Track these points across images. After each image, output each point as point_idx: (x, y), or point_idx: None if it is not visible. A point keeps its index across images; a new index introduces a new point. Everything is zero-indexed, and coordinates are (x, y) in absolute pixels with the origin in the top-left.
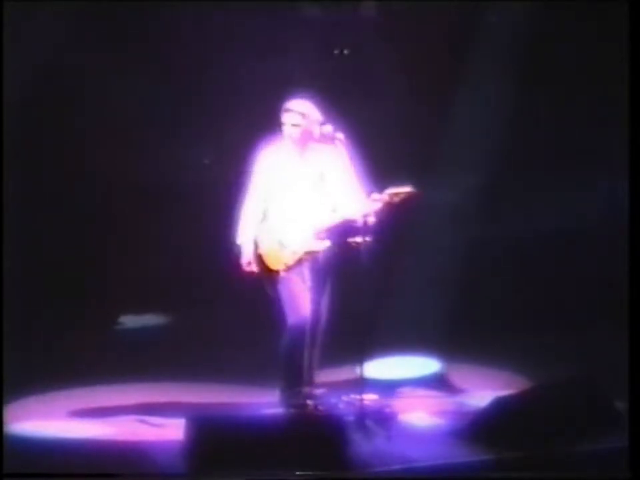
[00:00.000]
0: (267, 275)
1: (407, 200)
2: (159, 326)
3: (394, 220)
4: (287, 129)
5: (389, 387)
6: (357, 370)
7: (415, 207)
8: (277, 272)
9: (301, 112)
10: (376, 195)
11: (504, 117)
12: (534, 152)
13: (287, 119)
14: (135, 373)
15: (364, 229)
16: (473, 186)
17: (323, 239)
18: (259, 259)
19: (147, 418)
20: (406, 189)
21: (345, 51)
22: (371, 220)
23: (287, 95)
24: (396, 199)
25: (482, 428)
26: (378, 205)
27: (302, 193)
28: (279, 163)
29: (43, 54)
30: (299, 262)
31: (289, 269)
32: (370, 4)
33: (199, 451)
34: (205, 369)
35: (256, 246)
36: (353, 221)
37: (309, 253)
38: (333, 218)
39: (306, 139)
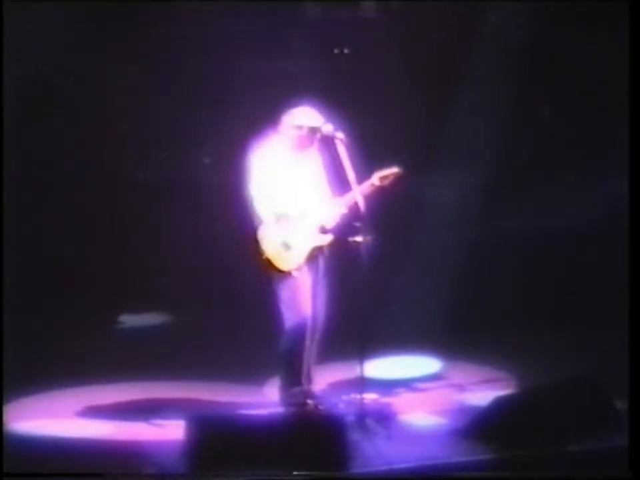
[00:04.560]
0: (275, 276)
1: (396, 181)
2: (159, 325)
3: (393, 218)
4: (288, 134)
5: (389, 386)
6: (357, 369)
7: (414, 204)
8: (285, 273)
9: (303, 121)
10: (365, 183)
11: (504, 116)
12: (534, 151)
13: (288, 125)
14: (135, 372)
15: (364, 228)
16: (473, 185)
17: (326, 234)
18: (267, 262)
19: (146, 417)
20: (393, 170)
21: (345, 50)
22: (369, 216)
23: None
24: (385, 182)
25: (482, 427)
26: (370, 189)
27: (303, 193)
28: (279, 163)
29: (43, 53)
30: (306, 261)
31: (298, 268)
32: (370, 3)
33: (198, 450)
34: (204, 368)
35: (261, 250)
36: (352, 218)
37: (314, 251)
38: (332, 217)
39: (306, 143)
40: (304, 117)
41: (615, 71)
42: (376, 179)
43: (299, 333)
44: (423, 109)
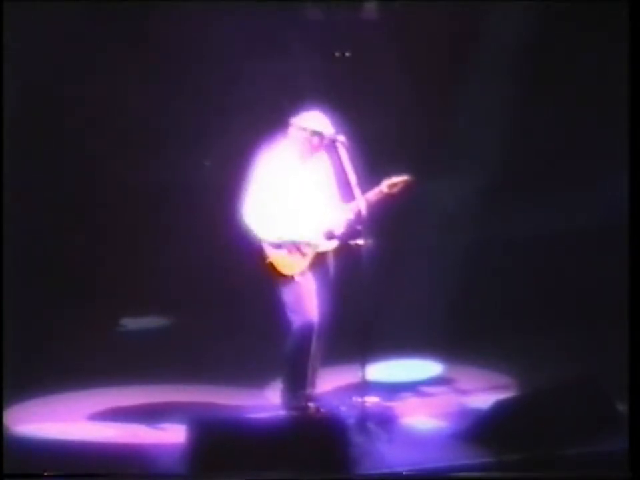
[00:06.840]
0: (279, 280)
1: (405, 189)
2: (161, 328)
3: (395, 222)
4: (297, 138)
5: (390, 390)
6: (359, 372)
7: (416, 208)
8: (289, 277)
9: (312, 125)
10: (374, 190)
11: (504, 117)
12: (534, 152)
13: (297, 129)
14: (137, 375)
15: (365, 231)
16: (473, 187)
17: (331, 239)
18: (270, 266)
19: (148, 420)
20: (403, 178)
21: (347, 53)
22: (371, 219)
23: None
24: (394, 189)
25: (484, 430)
26: (378, 196)
27: (309, 197)
28: (281, 166)
29: (43, 54)
30: (310, 265)
31: (302, 273)
32: (371, 5)
33: (200, 453)
34: (206, 371)
35: (264, 254)
36: (354, 222)
37: (318, 255)
38: (339, 223)
39: (315, 147)
40: (313, 121)
41: (615, 71)
42: (385, 186)
43: (304, 338)
44: (424, 111)
